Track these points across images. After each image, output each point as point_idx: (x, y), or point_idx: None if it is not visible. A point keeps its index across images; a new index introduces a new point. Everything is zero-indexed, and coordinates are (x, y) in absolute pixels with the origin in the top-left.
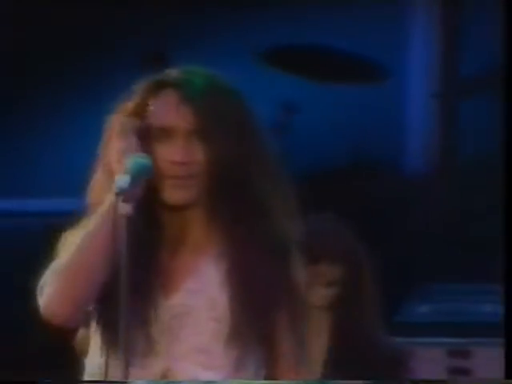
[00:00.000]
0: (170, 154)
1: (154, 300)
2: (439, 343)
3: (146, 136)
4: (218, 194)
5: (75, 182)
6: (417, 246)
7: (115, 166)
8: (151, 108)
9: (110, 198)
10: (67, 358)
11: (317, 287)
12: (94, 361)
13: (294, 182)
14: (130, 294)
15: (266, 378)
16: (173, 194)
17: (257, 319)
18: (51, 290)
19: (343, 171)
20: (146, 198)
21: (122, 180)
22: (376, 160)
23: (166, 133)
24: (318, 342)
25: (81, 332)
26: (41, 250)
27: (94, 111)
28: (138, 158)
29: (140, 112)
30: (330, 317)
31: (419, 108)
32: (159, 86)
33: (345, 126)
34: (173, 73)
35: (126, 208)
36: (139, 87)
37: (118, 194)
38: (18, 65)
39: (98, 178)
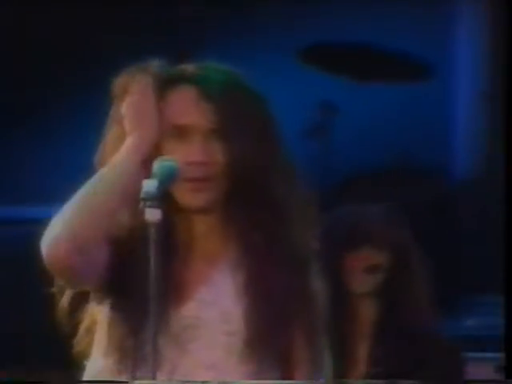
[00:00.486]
0: (187, 154)
1: (163, 310)
2: (486, 358)
3: (160, 135)
4: (235, 198)
5: (74, 187)
6: (465, 254)
7: (129, 124)
8: (167, 104)
9: (126, 144)
10: (67, 360)
11: (359, 273)
12: (97, 363)
13: (313, 190)
14: (140, 302)
15: None
16: (189, 198)
17: (273, 333)
18: (57, 231)
19: (386, 175)
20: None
21: (149, 184)
22: (421, 163)
23: (182, 131)
24: (361, 332)
25: (82, 333)
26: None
27: (92, 113)
28: (165, 161)
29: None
30: (373, 305)
31: (466, 107)
32: (176, 80)
33: (387, 128)
34: (189, 68)
35: (154, 214)
36: (156, 80)
37: (144, 200)
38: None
39: (107, 142)
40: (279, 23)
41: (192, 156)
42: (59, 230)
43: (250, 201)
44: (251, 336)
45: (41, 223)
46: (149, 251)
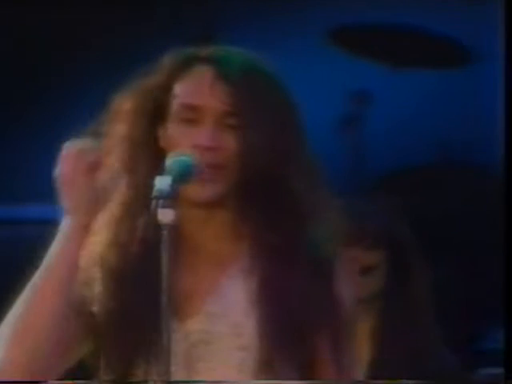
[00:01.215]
0: (195, 137)
1: (167, 325)
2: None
3: (169, 116)
4: (248, 193)
5: None
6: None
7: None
8: (180, 84)
9: (67, 221)
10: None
11: (353, 275)
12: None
13: (339, 187)
14: (139, 316)
15: None
16: (193, 189)
17: (293, 345)
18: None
19: (425, 169)
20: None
21: (162, 181)
22: (463, 155)
23: (193, 113)
24: (359, 340)
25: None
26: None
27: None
28: (180, 156)
29: (164, 88)
30: (369, 312)
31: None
32: (191, 61)
33: (426, 117)
34: (207, 49)
35: (167, 215)
36: (166, 61)
37: (157, 199)
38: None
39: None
40: (306, 1)
41: (199, 139)
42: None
43: (265, 196)
44: (267, 351)
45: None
46: (161, 257)
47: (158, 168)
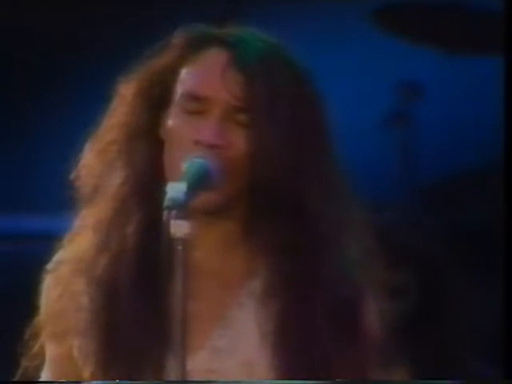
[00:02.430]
0: (198, 131)
1: (164, 362)
2: None
3: (172, 104)
4: (257, 203)
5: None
6: None
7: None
8: (187, 68)
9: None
10: None
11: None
12: None
13: (363, 202)
14: (132, 350)
15: None
16: None
17: None
18: None
19: (485, 177)
20: (153, 205)
21: (176, 188)
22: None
23: (198, 103)
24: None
25: None
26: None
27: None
28: (196, 160)
29: (171, 71)
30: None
31: None
32: (203, 42)
33: (487, 112)
34: (224, 30)
35: (182, 227)
36: (176, 40)
37: (169, 209)
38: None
39: (88, 163)
40: None
41: (203, 134)
42: None
43: (279, 210)
44: None
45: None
46: (174, 277)
47: (155, 162)
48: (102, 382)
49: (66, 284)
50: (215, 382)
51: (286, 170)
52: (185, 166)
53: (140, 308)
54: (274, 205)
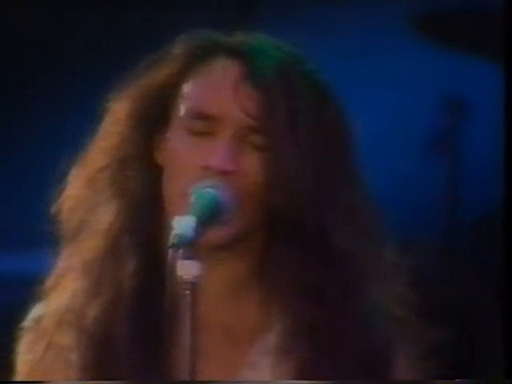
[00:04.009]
0: (206, 155)
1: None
2: None
3: (172, 123)
4: (273, 239)
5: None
6: None
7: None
8: (192, 81)
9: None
10: None
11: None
12: None
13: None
14: None
15: None
16: None
17: None
18: None
19: None
20: (151, 243)
21: (184, 223)
22: None
23: (206, 123)
24: None
25: None
26: None
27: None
28: (205, 189)
29: (172, 85)
30: None
31: None
32: (211, 51)
33: None
34: (235, 37)
35: (190, 268)
36: (177, 50)
37: (176, 247)
38: None
39: (74, 193)
40: None
41: (211, 159)
42: None
43: (298, 248)
44: None
45: None
46: (181, 329)
47: (152, 192)
48: (100, 382)
49: (50, 338)
50: (215, 381)
51: (308, 200)
52: (192, 196)
53: (140, 366)
54: (293, 241)
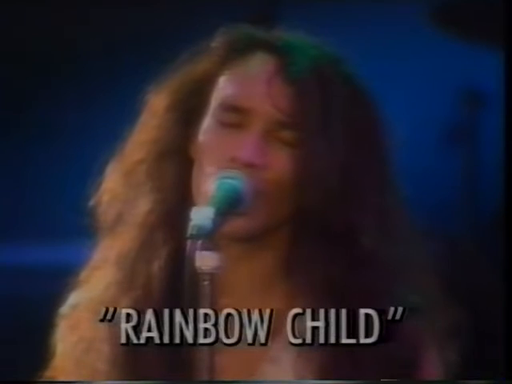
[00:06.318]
0: (235, 147)
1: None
2: None
3: (206, 116)
4: (303, 234)
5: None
6: None
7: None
8: (227, 75)
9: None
10: None
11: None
12: None
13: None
14: None
15: None
16: None
17: None
18: None
19: None
20: (182, 236)
21: (202, 214)
22: None
23: (237, 115)
24: None
25: None
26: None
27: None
28: (226, 179)
29: (208, 79)
30: None
31: None
32: (249, 46)
33: None
34: (270, 33)
35: (209, 259)
36: (216, 44)
37: (194, 238)
38: None
39: (112, 186)
40: None
41: (240, 151)
42: None
43: (326, 244)
44: None
45: None
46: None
47: (184, 186)
48: (104, 381)
49: (83, 329)
50: (215, 381)
51: (337, 197)
52: (214, 186)
53: (167, 363)
54: (321, 239)
